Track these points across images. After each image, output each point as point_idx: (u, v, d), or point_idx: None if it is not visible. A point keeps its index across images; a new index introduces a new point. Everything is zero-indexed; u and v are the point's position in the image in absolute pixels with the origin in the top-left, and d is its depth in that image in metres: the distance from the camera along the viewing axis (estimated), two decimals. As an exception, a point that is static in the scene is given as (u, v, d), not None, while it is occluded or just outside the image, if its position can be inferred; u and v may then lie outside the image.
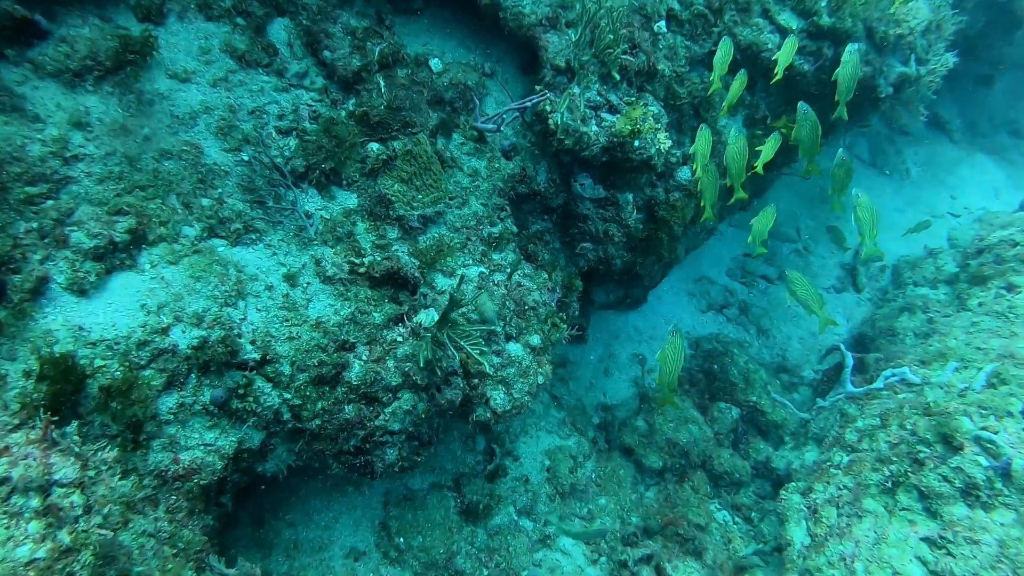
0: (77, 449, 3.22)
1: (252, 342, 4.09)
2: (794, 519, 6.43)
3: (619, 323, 8.26)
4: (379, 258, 4.55)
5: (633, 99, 5.22)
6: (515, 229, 5.21)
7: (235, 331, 4.05)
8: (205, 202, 4.24)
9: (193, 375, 3.88)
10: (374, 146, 4.68)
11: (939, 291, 8.80)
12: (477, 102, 5.02)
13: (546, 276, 5.31)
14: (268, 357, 4.10)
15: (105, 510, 3.16)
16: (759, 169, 5.62)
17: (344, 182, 4.68)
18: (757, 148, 5.63)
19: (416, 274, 4.58)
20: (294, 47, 4.78)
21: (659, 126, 5.22)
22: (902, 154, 11.64)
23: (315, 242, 4.49)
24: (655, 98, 5.73)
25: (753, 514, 7.19)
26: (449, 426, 5.56)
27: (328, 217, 4.57)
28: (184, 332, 3.86)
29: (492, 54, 5.62)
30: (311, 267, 4.42)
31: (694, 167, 5.52)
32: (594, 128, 5.02)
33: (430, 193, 4.79)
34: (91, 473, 3.24)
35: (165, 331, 3.81)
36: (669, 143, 5.26)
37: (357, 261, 4.49)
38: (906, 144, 11.76)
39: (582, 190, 5.50)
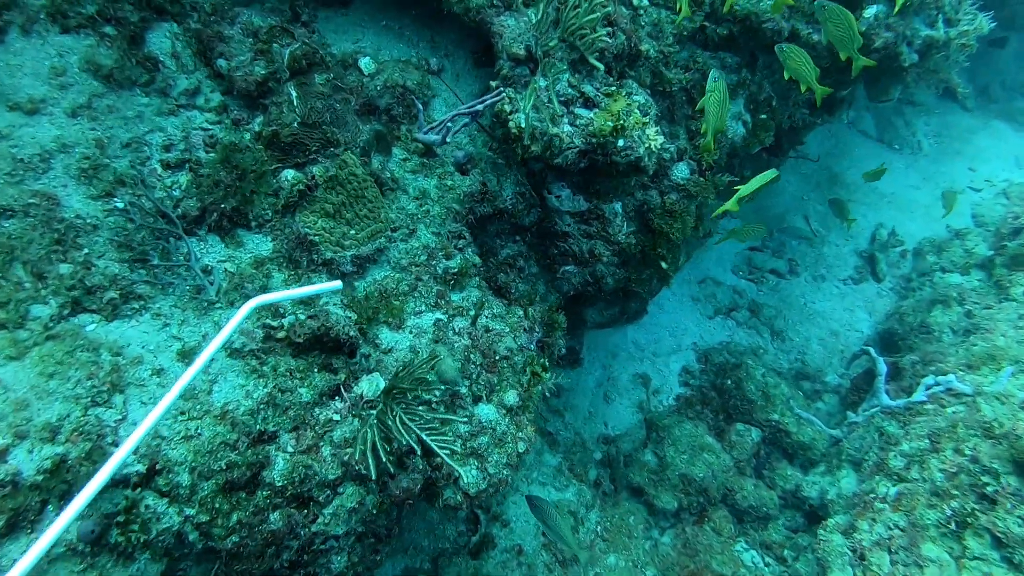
0: None
1: (135, 450, 3.06)
2: (837, 565, 5.40)
3: (617, 339, 7.23)
4: (302, 317, 3.51)
5: (613, 89, 4.15)
6: (478, 260, 4.16)
7: (109, 439, 3.02)
8: (64, 269, 3.20)
9: (50, 508, 2.85)
10: (288, 174, 3.63)
11: (971, 277, 7.75)
12: (420, 107, 3.96)
13: (521, 313, 4.26)
14: (158, 466, 3.07)
15: None
16: (733, 206, 4.47)
17: (253, 223, 3.63)
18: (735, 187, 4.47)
19: (352, 332, 3.54)
20: (181, 58, 3.72)
21: (647, 119, 4.16)
22: (912, 126, 10.54)
23: (218, 305, 3.45)
24: (640, 85, 4.67)
25: (786, 552, 6.17)
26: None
27: (234, 271, 3.53)
28: (32, 453, 2.82)
29: (440, 46, 4.56)
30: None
31: (703, 128, 4.37)
32: (567, 128, 3.97)
33: (365, 226, 3.74)
34: None
35: (1, 455, 2.78)
36: (661, 139, 4.20)
37: (274, 324, 3.45)
38: (915, 115, 10.66)
39: (558, 203, 4.45)
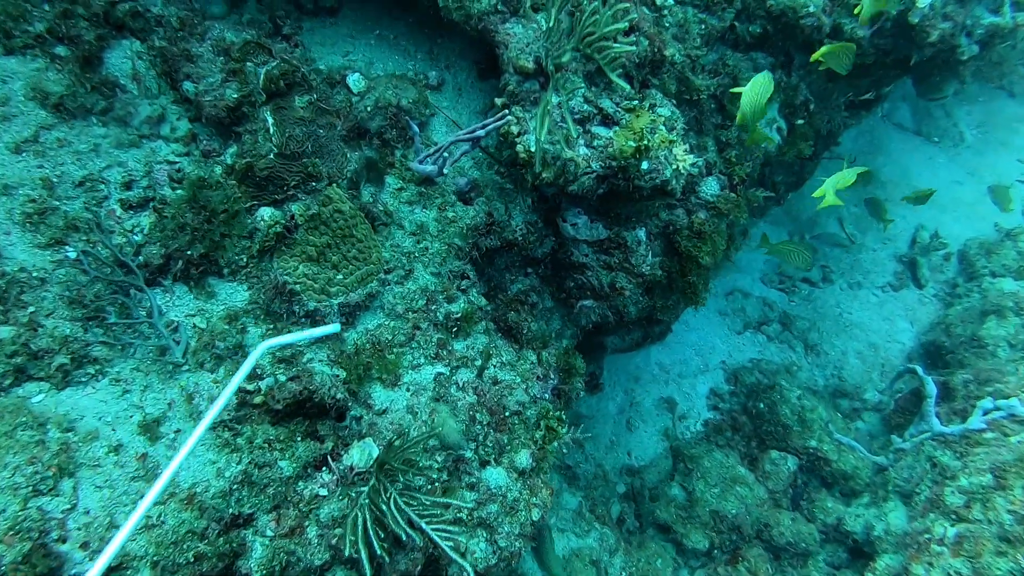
0: None
1: (84, 544, 2.63)
2: (888, 616, 4.89)
3: (639, 361, 6.71)
4: (283, 379, 3.05)
5: (635, 103, 3.62)
6: (483, 301, 3.67)
7: (55, 534, 2.59)
8: (5, 332, 2.76)
9: (-20, 625, 2.44)
10: (265, 212, 3.16)
11: (1027, 284, 7.12)
12: (416, 130, 3.46)
13: (534, 358, 3.77)
14: (115, 562, 2.65)
15: None
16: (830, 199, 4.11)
17: (226, 270, 3.16)
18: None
19: (340, 395, 3.07)
20: (144, 80, 3.26)
21: (674, 136, 3.63)
22: (952, 116, 9.81)
23: (186, 367, 3.00)
24: (664, 94, 4.14)
25: (827, 593, 5.66)
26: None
27: (204, 326, 3.07)
28: (-45, 559, 2.41)
29: (439, 57, 4.06)
30: (181, 406, 2.94)
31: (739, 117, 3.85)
32: (583, 151, 3.45)
33: (355, 269, 3.27)
34: None
35: (-82, 566, 2.37)
36: (690, 158, 3.67)
37: (250, 388, 2.99)
38: (956, 104, 9.93)
39: (574, 231, 3.94)
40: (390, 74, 3.84)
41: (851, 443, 6.15)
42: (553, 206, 3.95)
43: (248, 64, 3.29)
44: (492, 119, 3.25)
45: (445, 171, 3.03)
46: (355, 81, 3.65)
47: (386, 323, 3.39)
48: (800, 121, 5.28)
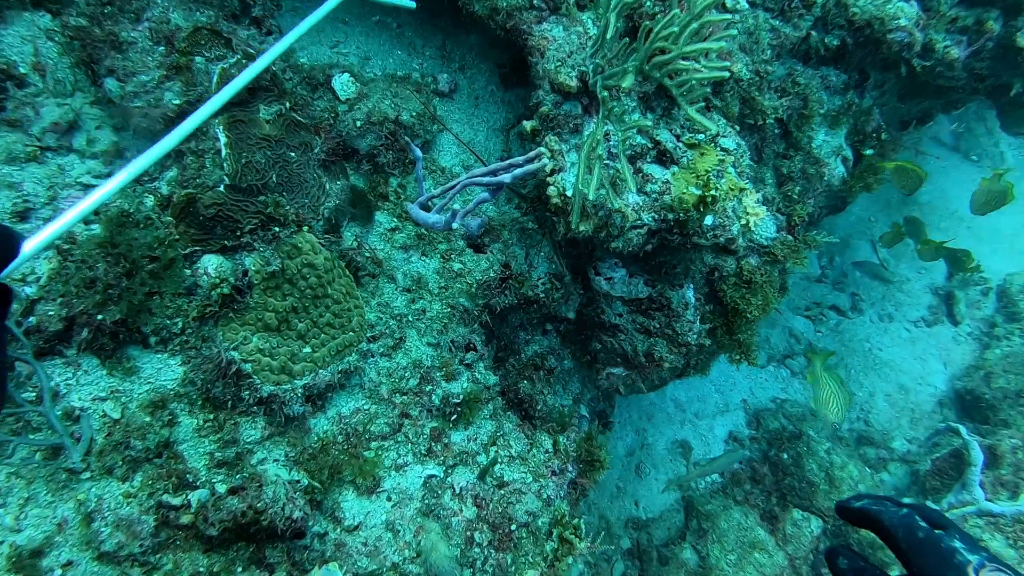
0: None
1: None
2: None
3: (655, 396, 5.92)
4: (221, 489, 2.23)
5: (701, 138, 2.75)
6: (492, 379, 2.84)
7: None
8: None
9: None
10: (210, 263, 2.30)
11: (1080, 334, 6.35)
12: (418, 154, 2.58)
13: (549, 445, 2.96)
14: None
15: None
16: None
17: (153, 338, 2.32)
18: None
19: (299, 512, 2.26)
20: (52, 71, 2.37)
21: (744, 183, 2.77)
22: (995, 134, 8.95)
23: (87, 474, 2.17)
24: (727, 118, 3.29)
25: (847, 677, 4.95)
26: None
27: (117, 416, 2.23)
28: None
29: (453, 55, 3.17)
30: (76, 529, 2.12)
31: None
32: (633, 198, 2.59)
33: (328, 339, 2.43)
34: None
35: None
36: (764, 211, 2.81)
37: (175, 503, 2.17)
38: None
39: (608, 287, 3.09)
40: (389, 75, 2.95)
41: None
42: (584, 256, 3.10)
43: (198, 59, 2.40)
44: (522, 160, 2.37)
45: (455, 225, 2.19)
46: (343, 84, 2.76)
47: (366, 408, 2.56)
48: (869, 151, 4.42)
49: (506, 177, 2.25)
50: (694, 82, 2.26)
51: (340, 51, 2.99)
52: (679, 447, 5.77)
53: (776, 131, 3.84)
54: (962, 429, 5.49)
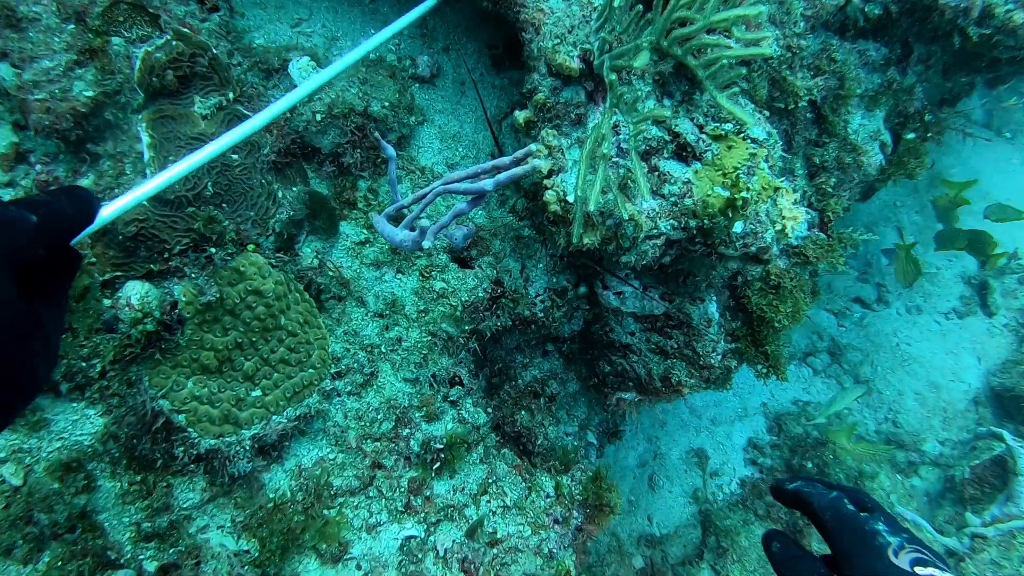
0: None
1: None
2: None
3: (665, 403, 5.50)
4: (150, 567, 1.83)
5: (728, 127, 2.29)
6: (483, 417, 2.42)
7: None
8: None
9: None
10: (133, 292, 1.88)
11: None
12: (391, 152, 2.13)
13: (551, 488, 2.54)
14: None
15: None
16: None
17: (65, 384, 1.91)
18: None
19: (246, 592, 1.86)
20: (-58, 58, 1.94)
21: (780, 181, 2.32)
22: (1030, 110, 8.37)
23: (-19, 556, 1.79)
24: (754, 102, 2.83)
25: None
26: None
27: (18, 484, 1.83)
28: None
29: (436, 33, 2.71)
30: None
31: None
32: (647, 204, 2.15)
33: (283, 378, 2.02)
34: None
35: None
36: (801, 213, 2.36)
37: (92, 589, 1.78)
38: (1032, 95, 8.47)
39: (618, 302, 2.65)
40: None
41: (917, 520, 4.99)
42: (590, 260, 2.66)
43: (115, 40, 1.95)
44: (509, 160, 1.93)
45: (426, 244, 1.75)
46: (302, 70, 2.31)
47: (331, 458, 2.14)
48: (911, 135, 3.93)
49: (488, 183, 1.81)
50: (724, 61, 1.80)
51: (303, 30, 2.54)
52: (695, 456, 5.35)
53: (809, 115, 3.37)
54: (1006, 435, 5.05)
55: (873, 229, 7.44)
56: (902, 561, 0.94)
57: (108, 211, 1.15)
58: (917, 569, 0.93)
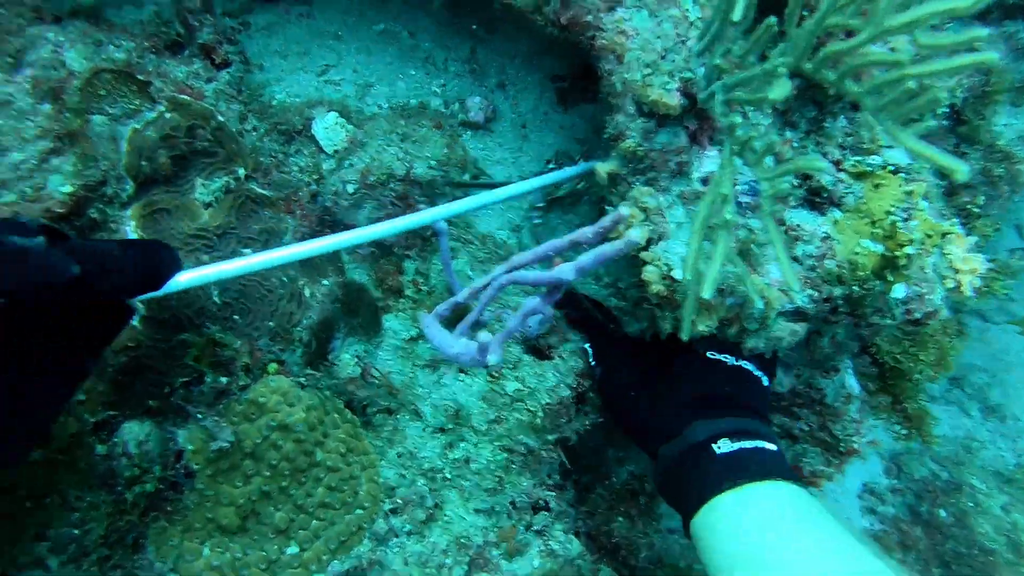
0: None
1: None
2: None
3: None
4: None
5: (876, 160, 1.74)
6: (576, 547, 1.93)
7: None
8: None
9: None
10: (130, 436, 1.48)
11: None
12: (443, 226, 1.69)
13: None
14: None
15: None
16: None
17: (54, 559, 1.53)
18: None
19: None
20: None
21: (947, 225, 1.75)
22: None
23: None
24: (885, 116, 2.24)
25: None
26: None
27: None
28: None
29: (487, 69, 2.25)
30: None
31: None
32: (776, 274, 1.64)
33: (325, 524, 1.59)
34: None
35: None
36: (981, 263, 1.77)
37: None
38: None
39: (733, 379, 2.14)
40: (398, 107, 2.07)
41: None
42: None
43: (97, 119, 1.57)
44: (592, 232, 1.45)
45: (491, 361, 1.28)
46: (328, 129, 1.88)
47: (382, 624, 1.70)
48: (1065, 132, 3.24)
49: (568, 270, 1.33)
50: (909, 84, 1.24)
51: (331, 78, 2.13)
52: (805, 507, 4.71)
53: (944, 122, 2.76)
54: None
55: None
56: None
57: (185, 277, 1.07)
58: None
